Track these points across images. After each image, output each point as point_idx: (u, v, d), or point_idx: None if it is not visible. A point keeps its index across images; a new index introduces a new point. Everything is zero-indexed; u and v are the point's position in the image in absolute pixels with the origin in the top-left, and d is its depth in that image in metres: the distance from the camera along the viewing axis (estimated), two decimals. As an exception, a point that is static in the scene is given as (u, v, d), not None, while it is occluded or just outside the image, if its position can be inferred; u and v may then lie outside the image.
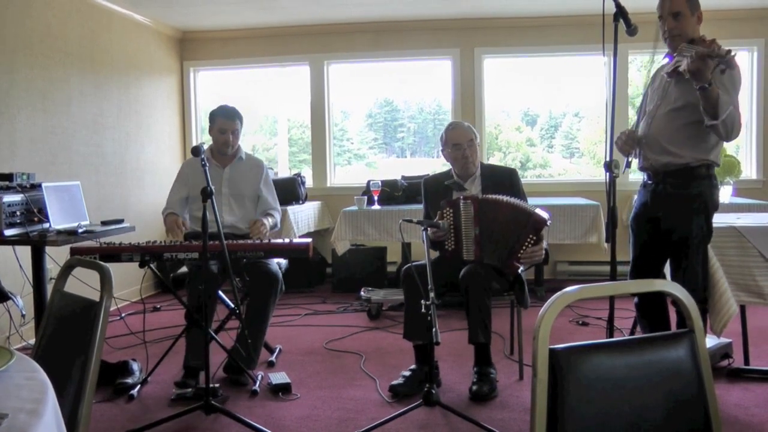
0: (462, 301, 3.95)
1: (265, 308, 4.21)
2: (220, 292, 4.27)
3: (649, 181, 3.72)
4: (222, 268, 4.11)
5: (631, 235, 3.85)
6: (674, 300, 1.66)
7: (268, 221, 4.41)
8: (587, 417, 1.50)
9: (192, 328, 3.97)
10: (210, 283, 3.97)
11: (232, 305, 4.13)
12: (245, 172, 4.61)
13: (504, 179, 4.20)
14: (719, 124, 3.29)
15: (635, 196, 3.98)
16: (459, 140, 4.17)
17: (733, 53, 3.07)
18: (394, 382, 3.97)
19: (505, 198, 3.95)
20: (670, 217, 3.59)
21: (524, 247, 3.86)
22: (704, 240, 3.61)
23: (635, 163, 3.80)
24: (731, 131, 3.35)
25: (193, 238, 4.23)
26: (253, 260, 4.17)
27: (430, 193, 4.33)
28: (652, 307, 3.80)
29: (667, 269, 3.81)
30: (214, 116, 4.53)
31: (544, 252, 3.93)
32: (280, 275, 4.31)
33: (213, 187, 3.64)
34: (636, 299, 3.88)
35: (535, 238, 3.86)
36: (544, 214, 3.88)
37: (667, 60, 3.67)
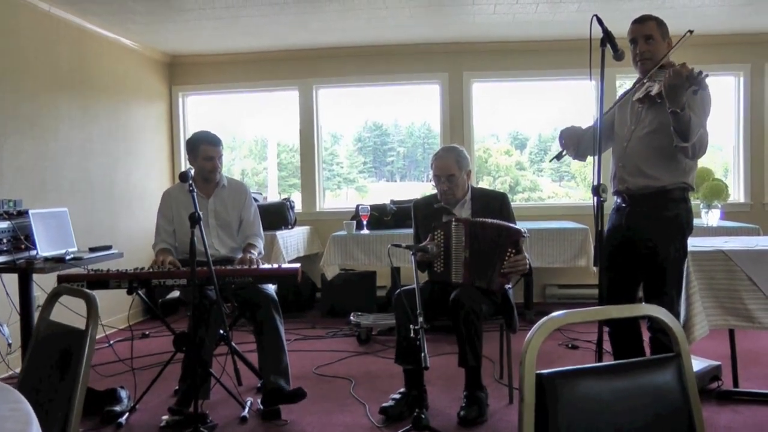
0: (452, 325, 3.94)
1: (273, 330, 4.11)
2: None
3: (624, 204, 3.66)
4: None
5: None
6: (654, 326, 1.66)
7: (254, 254, 4.36)
8: (575, 442, 1.50)
9: (193, 367, 3.76)
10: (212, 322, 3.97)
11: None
12: (229, 200, 4.55)
13: (494, 203, 4.21)
14: (689, 146, 3.32)
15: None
16: (437, 172, 4.19)
17: (705, 74, 3.11)
18: (385, 404, 3.96)
19: (490, 220, 3.98)
20: (648, 240, 3.53)
21: (506, 259, 3.88)
22: (680, 262, 3.59)
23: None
24: (698, 152, 3.40)
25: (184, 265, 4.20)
26: (242, 285, 4.13)
27: (420, 215, 4.34)
28: (626, 337, 3.68)
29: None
30: (196, 144, 4.39)
31: (527, 262, 3.93)
32: (274, 294, 4.24)
33: (200, 214, 3.62)
34: (609, 329, 3.73)
35: (514, 250, 3.89)
36: (520, 228, 3.93)
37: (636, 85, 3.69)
